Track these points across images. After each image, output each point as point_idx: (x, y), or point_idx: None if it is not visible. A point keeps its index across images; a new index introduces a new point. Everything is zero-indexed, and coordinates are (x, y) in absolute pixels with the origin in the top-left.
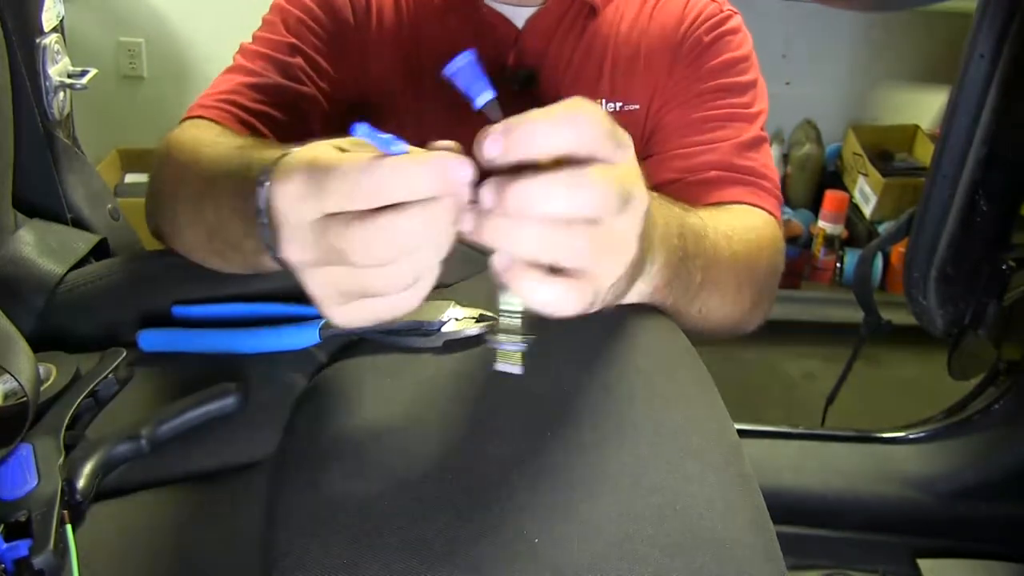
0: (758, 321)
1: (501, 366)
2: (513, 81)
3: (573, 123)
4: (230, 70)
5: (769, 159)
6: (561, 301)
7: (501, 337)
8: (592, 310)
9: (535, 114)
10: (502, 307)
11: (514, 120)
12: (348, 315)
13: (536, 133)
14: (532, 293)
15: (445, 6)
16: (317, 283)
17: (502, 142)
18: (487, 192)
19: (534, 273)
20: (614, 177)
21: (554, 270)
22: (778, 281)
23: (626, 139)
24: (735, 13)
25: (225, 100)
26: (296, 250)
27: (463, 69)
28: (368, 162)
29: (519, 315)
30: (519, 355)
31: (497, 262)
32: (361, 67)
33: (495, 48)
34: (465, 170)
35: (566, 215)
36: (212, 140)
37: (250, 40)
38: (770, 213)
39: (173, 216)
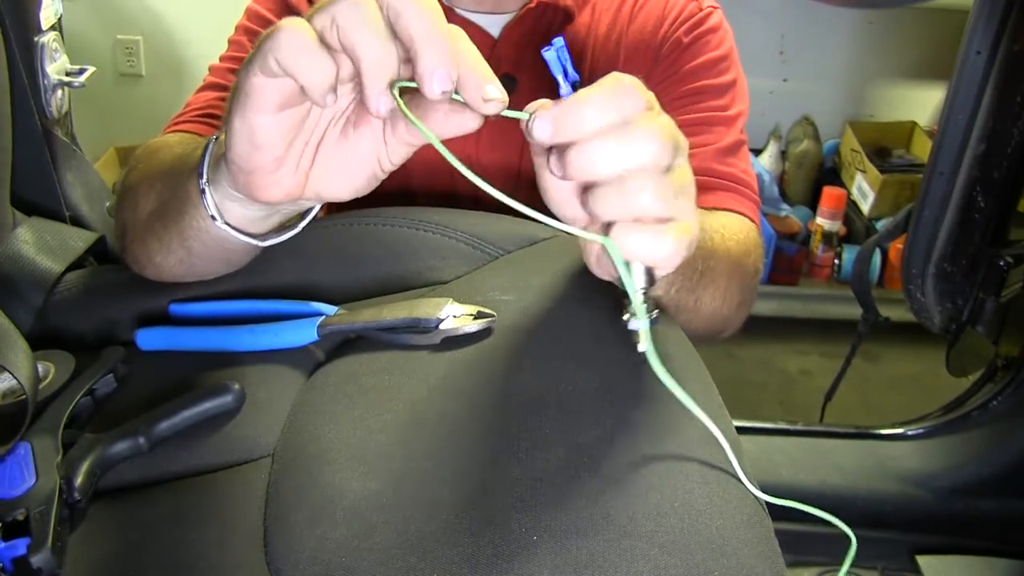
0: (739, 322)
1: (641, 347)
2: None
3: (616, 96)
4: (201, 89)
5: (748, 163)
6: (671, 245)
7: (632, 320)
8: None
9: (580, 95)
10: (626, 290)
11: (563, 103)
12: None
13: (584, 113)
14: (646, 246)
15: None
16: None
17: (551, 125)
18: (557, 161)
19: (641, 228)
20: (660, 125)
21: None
22: (758, 285)
23: (658, 105)
24: (715, 9)
25: (200, 113)
26: None
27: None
28: None
29: (643, 292)
30: (650, 332)
31: (614, 236)
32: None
33: None
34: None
35: (634, 166)
36: (180, 139)
37: (218, 61)
38: (750, 219)
39: (134, 202)
